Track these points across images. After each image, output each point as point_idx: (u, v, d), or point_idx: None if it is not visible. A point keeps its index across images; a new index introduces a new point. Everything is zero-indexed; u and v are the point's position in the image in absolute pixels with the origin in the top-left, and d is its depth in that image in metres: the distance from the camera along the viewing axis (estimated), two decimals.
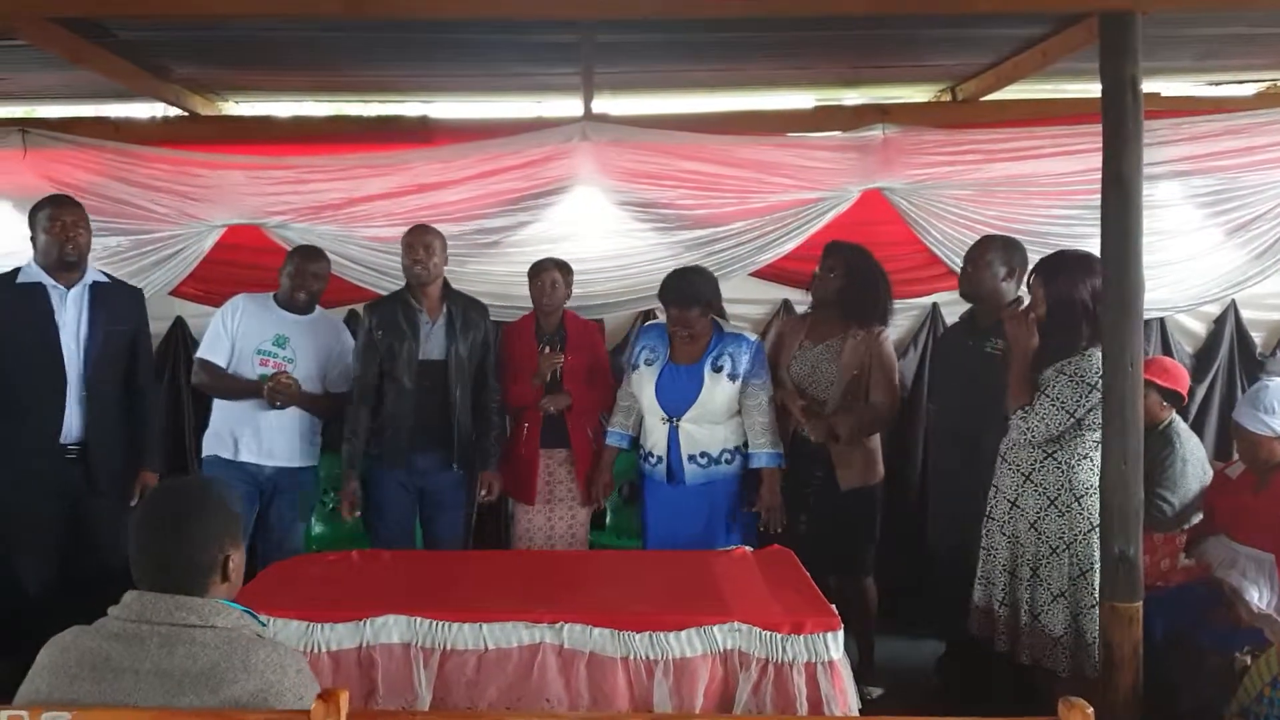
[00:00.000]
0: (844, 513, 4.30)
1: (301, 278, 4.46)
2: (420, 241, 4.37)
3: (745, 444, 4.35)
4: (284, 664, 1.98)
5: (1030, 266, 4.03)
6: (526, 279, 4.65)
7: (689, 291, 4.27)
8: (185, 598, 1.98)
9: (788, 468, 4.35)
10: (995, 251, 4.20)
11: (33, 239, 4.00)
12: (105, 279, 4.13)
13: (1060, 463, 3.62)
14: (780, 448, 4.32)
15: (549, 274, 4.55)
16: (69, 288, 3.95)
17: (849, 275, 4.35)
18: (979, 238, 4.40)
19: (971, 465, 3.98)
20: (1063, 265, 3.70)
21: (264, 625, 2.12)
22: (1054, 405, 3.56)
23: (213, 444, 4.44)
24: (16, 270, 4.00)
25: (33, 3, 3.64)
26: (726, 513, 4.34)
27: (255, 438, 4.37)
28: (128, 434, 4.10)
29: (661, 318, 4.66)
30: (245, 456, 4.35)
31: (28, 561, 3.85)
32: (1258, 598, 3.65)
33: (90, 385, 3.92)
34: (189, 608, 1.97)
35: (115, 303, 4.04)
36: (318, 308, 4.59)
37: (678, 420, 4.29)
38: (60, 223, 3.92)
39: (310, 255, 4.54)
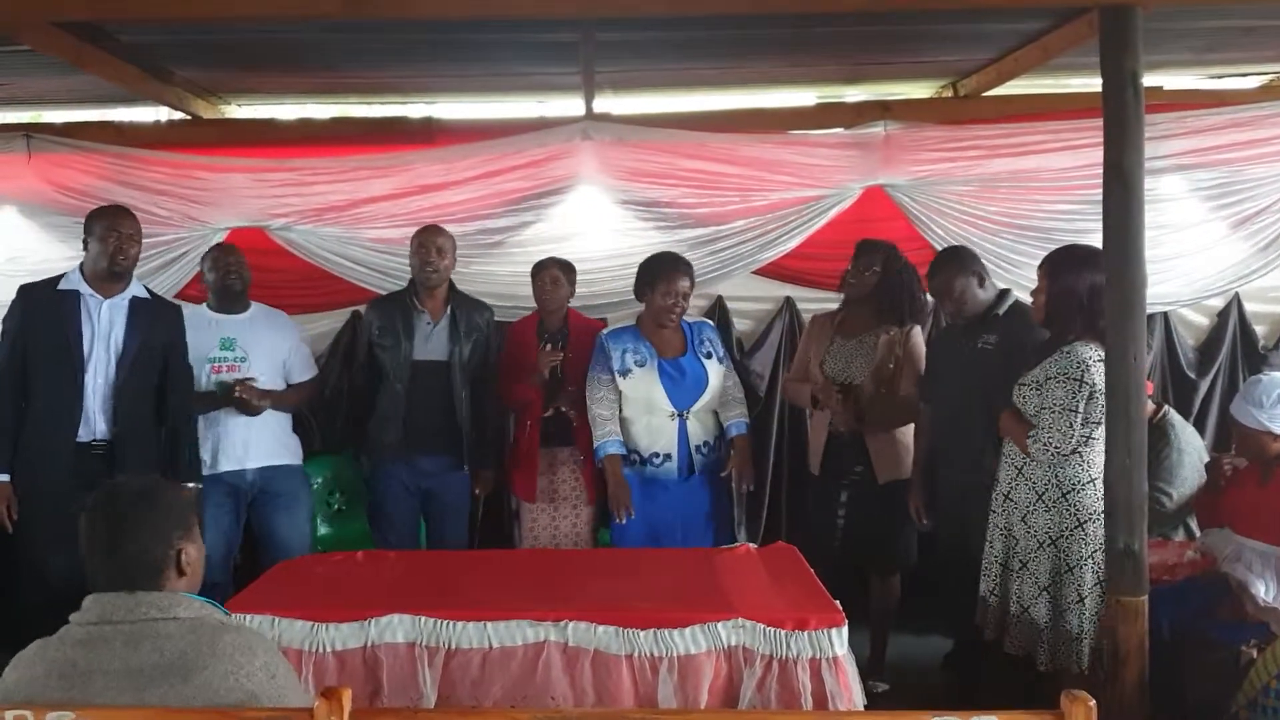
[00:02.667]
0: (882, 507, 4.31)
1: (224, 266, 4.41)
2: (432, 243, 4.38)
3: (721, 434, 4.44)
4: (251, 646, 1.98)
5: (990, 261, 4.19)
6: (530, 279, 4.65)
7: (681, 262, 4.38)
8: (143, 594, 1.98)
9: (826, 463, 4.41)
10: (957, 276, 4.11)
11: (85, 244, 4.01)
12: (147, 295, 4.12)
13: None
14: (748, 417, 4.48)
15: (548, 272, 4.55)
16: (107, 298, 3.98)
17: (885, 274, 4.36)
18: (930, 268, 4.28)
19: (970, 462, 3.98)
20: (1068, 259, 3.66)
21: (227, 615, 2.12)
22: (1060, 414, 3.50)
23: None
24: (60, 277, 4.03)
25: (36, 7, 3.65)
26: (711, 502, 4.40)
27: (228, 445, 4.34)
28: (159, 440, 4.11)
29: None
30: (224, 466, 4.32)
31: (42, 558, 3.85)
32: (1263, 591, 3.64)
33: (122, 391, 3.94)
34: (149, 602, 1.97)
35: (153, 317, 4.05)
36: (253, 304, 4.54)
37: (687, 413, 4.32)
38: (116, 234, 3.94)
39: (224, 249, 4.57)
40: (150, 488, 2.15)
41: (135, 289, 4.07)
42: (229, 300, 4.45)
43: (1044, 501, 3.60)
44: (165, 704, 1.89)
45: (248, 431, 4.34)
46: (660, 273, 4.34)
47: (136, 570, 2.01)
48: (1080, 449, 3.55)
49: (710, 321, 4.61)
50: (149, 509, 2.06)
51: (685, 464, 4.34)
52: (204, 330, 4.35)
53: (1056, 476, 3.58)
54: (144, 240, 4.13)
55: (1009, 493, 3.70)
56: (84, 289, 3.96)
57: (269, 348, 4.45)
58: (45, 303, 3.95)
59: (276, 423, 4.48)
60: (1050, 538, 3.59)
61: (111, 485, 2.13)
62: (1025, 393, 3.62)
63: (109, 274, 3.96)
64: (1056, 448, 3.51)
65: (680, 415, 4.32)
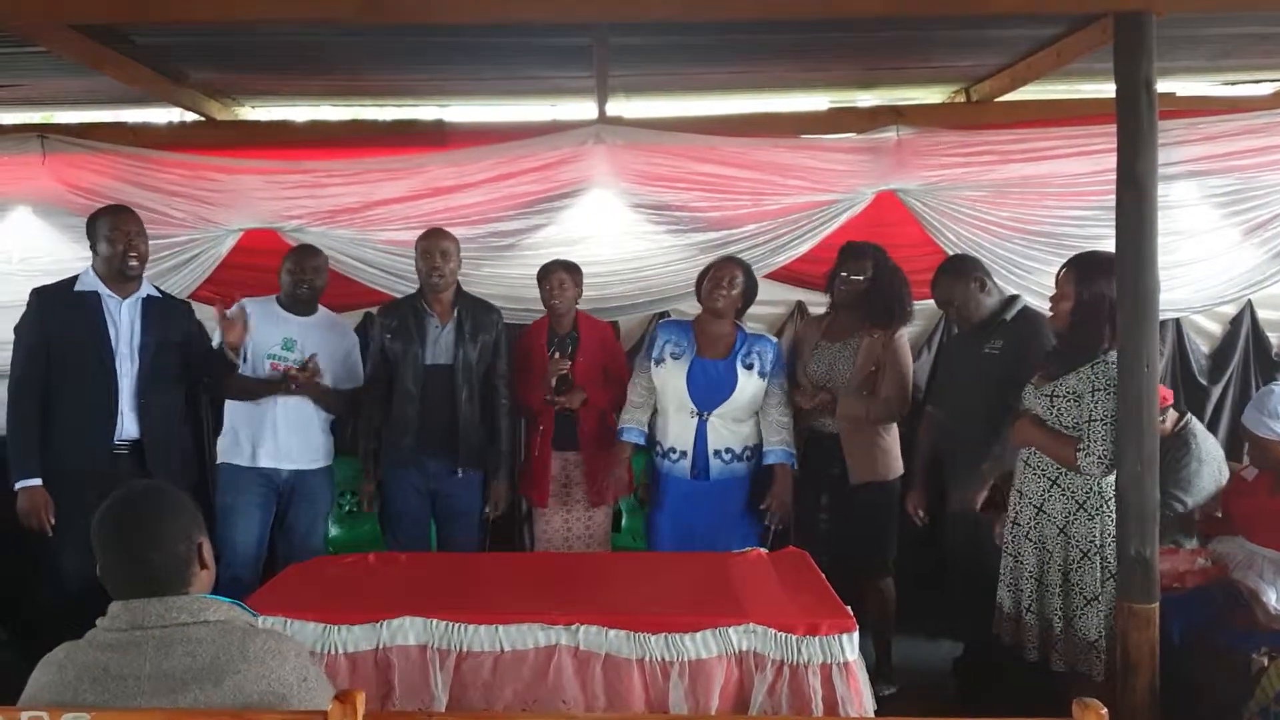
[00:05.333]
0: (861, 509, 4.31)
1: (301, 273, 4.46)
2: (437, 247, 4.39)
3: (760, 444, 4.37)
4: (282, 650, 1.99)
5: (1000, 266, 4.23)
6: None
7: (736, 258, 4.49)
8: (173, 598, 1.99)
9: (805, 465, 4.37)
10: (955, 284, 4.22)
11: (93, 247, 4.03)
12: (157, 294, 4.16)
13: None
14: (794, 448, 4.34)
15: (555, 275, 4.57)
16: (124, 298, 4.01)
17: (875, 278, 4.36)
18: (932, 279, 4.39)
19: (978, 467, 3.98)
20: (1096, 266, 3.61)
21: (255, 616, 2.13)
22: (1112, 425, 3.46)
23: (228, 450, 4.44)
24: (75, 278, 4.04)
25: (54, 9, 3.66)
26: (739, 511, 4.35)
27: (273, 441, 4.38)
28: (187, 438, 4.22)
29: (676, 316, 4.68)
30: (264, 462, 4.37)
31: (70, 560, 3.87)
32: (1275, 599, 3.64)
33: (145, 393, 3.98)
34: (179, 607, 1.98)
35: (166, 316, 4.08)
36: (320, 307, 4.60)
37: (708, 414, 4.30)
38: (124, 232, 3.97)
39: (307, 251, 4.59)
40: (164, 489, 2.17)
41: (147, 288, 4.11)
42: (298, 303, 4.49)
43: (1086, 510, 3.55)
44: (197, 707, 1.90)
45: (291, 432, 4.38)
46: (713, 264, 4.45)
47: (165, 573, 2.02)
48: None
49: (774, 340, 4.49)
50: (170, 511, 2.09)
51: (701, 465, 4.32)
52: (270, 324, 4.40)
53: (1099, 484, 3.54)
54: (158, 241, 4.18)
55: (1042, 505, 3.63)
56: (102, 289, 3.98)
57: (326, 354, 4.47)
58: (65, 305, 3.96)
59: (319, 425, 4.52)
60: (1095, 546, 3.54)
61: (125, 491, 2.12)
62: (1061, 404, 3.56)
63: (122, 274, 3.98)
64: (1111, 460, 3.45)
65: (700, 415, 4.31)
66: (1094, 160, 4.85)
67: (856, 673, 3.03)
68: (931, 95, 5.61)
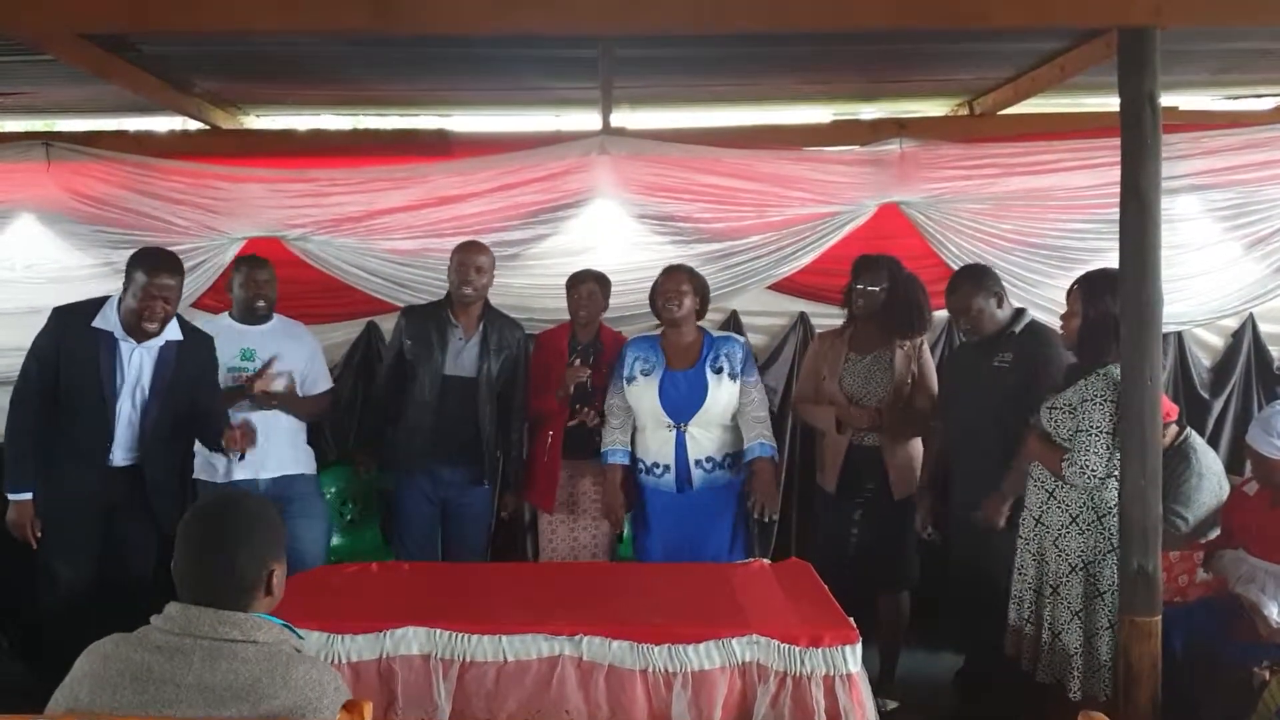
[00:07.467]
0: (893, 524, 4.33)
1: (256, 286, 4.44)
2: (472, 261, 4.40)
3: (741, 452, 4.41)
4: (323, 681, 1.99)
5: (1003, 279, 4.23)
6: (545, 291, 4.67)
7: (677, 266, 4.50)
8: (229, 612, 2.00)
9: (843, 479, 4.39)
10: (976, 294, 4.18)
11: (126, 282, 3.92)
12: (179, 336, 4.03)
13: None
14: (774, 442, 4.41)
15: (586, 285, 4.59)
16: (140, 342, 3.92)
17: (892, 289, 4.37)
18: (950, 285, 4.35)
19: (985, 480, 3.98)
20: (1103, 283, 3.65)
21: (301, 639, 2.13)
22: (1097, 436, 3.50)
23: (202, 469, 4.37)
24: (98, 305, 3.95)
25: (65, 19, 3.66)
26: (726, 520, 4.38)
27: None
28: (181, 458, 4.18)
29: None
30: (238, 475, 4.31)
31: (61, 573, 3.90)
32: (1276, 612, 3.63)
33: (146, 427, 3.94)
34: (232, 622, 1.98)
35: (182, 357, 4.01)
36: (275, 315, 4.55)
37: (685, 425, 4.31)
38: (150, 295, 3.84)
39: (256, 264, 4.55)
40: (256, 509, 2.17)
41: (169, 330, 3.99)
42: (252, 315, 4.47)
43: (1078, 525, 3.59)
44: None
45: (263, 441, 4.29)
46: (658, 279, 4.45)
47: (228, 587, 2.03)
48: (1115, 473, 3.53)
49: (741, 339, 4.60)
50: (254, 528, 2.10)
51: (684, 477, 4.34)
52: (224, 339, 4.33)
53: (1092, 500, 3.57)
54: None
55: (1040, 516, 3.68)
56: (119, 333, 3.90)
57: (287, 359, 4.46)
58: (79, 336, 3.89)
59: (291, 433, 4.50)
60: (1083, 561, 3.57)
61: (216, 500, 2.16)
62: (1058, 416, 3.61)
63: (138, 329, 3.89)
64: (1093, 471, 3.49)
65: (678, 427, 4.32)
66: (1097, 174, 4.86)
67: (859, 684, 3.03)
68: (935, 108, 5.62)
